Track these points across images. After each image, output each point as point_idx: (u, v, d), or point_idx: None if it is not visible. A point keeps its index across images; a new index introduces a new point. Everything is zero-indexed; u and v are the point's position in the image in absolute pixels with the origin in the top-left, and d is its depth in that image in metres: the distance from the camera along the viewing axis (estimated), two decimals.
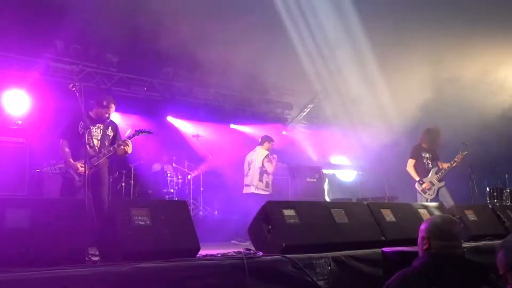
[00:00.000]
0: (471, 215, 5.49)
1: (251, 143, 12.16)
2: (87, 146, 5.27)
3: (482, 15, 8.65)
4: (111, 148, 5.40)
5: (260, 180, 8.12)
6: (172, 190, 9.28)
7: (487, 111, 9.33)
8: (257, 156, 8.25)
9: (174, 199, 9.15)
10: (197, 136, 10.34)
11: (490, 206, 6.40)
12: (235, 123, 12.46)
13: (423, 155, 7.83)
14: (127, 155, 5.60)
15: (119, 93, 10.61)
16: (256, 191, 8.08)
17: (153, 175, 9.66)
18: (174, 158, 9.99)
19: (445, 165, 7.69)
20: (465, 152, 7.60)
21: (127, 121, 8.87)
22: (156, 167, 9.82)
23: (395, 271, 3.00)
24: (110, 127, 5.60)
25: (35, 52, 9.18)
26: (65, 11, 7.93)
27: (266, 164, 8.10)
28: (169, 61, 10.39)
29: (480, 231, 5.27)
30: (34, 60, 9.27)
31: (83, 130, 5.32)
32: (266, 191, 8.15)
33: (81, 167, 5.16)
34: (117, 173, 8.88)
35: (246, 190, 8.24)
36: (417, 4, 9.09)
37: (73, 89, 4.70)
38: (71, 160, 5.25)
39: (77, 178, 5.22)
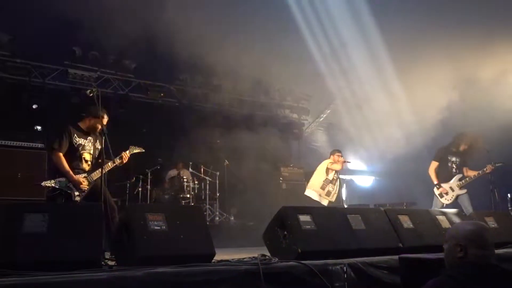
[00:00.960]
0: (491, 222, 5.37)
1: (267, 149, 12.20)
2: (83, 160, 5.13)
3: (501, 14, 8.52)
4: (110, 164, 5.17)
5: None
6: (188, 196, 9.30)
7: (507, 115, 9.13)
8: None
9: (190, 204, 9.17)
10: (216, 142, 10.36)
11: (511, 214, 6.25)
12: (252, 128, 12.46)
13: (449, 158, 7.50)
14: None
15: (137, 99, 10.74)
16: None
17: (170, 181, 9.70)
18: (191, 163, 10.02)
19: (472, 173, 7.38)
20: (499, 164, 7.25)
21: (143, 127, 8.89)
22: (173, 172, 9.87)
23: (413, 279, 2.94)
24: (98, 140, 5.27)
25: (54, 59, 9.34)
26: (83, 19, 8.06)
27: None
28: (186, 68, 10.46)
29: (501, 239, 5.13)
30: (53, 67, 9.44)
31: (77, 143, 5.11)
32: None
33: (83, 181, 5.00)
34: (134, 178, 8.95)
35: None
36: (435, 5, 8.98)
37: (91, 95, 4.69)
38: (73, 175, 4.97)
39: (76, 193, 4.99)
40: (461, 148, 7.53)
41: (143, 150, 5.68)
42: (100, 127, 5.08)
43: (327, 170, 8.33)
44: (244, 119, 12.23)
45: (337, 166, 8.34)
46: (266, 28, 9.16)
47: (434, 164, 7.58)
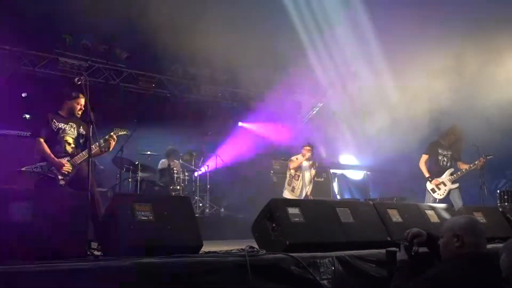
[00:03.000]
0: (480, 217, 5.39)
1: (259, 142, 12.18)
2: (65, 144, 5.17)
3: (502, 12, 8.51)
4: (95, 146, 5.14)
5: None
6: (178, 187, 9.26)
7: (498, 113, 9.17)
8: None
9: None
10: (206, 133, 10.32)
11: (500, 209, 6.29)
12: (243, 121, 12.43)
13: (439, 151, 7.56)
14: (104, 153, 5.46)
15: (128, 89, 10.65)
16: None
17: (160, 172, 9.66)
18: (181, 154, 9.98)
19: (465, 166, 7.45)
20: (490, 156, 7.36)
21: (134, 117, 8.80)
22: (163, 163, 9.82)
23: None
24: (81, 126, 5.36)
25: (45, 47, 9.22)
26: (74, 6, 7.94)
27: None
28: (178, 58, 10.36)
29: (489, 234, 5.17)
30: (43, 55, 9.31)
31: (56, 127, 5.17)
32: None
33: (66, 164, 5.04)
34: (124, 169, 8.89)
35: None
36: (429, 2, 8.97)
37: (79, 82, 4.64)
38: (55, 158, 5.03)
39: (60, 177, 5.03)
40: (451, 140, 7.59)
41: (128, 132, 5.72)
42: (78, 107, 5.22)
43: (289, 164, 8.64)
44: (235, 111, 12.19)
45: (293, 163, 8.51)
46: (258, 21, 9.10)
47: (424, 157, 7.62)
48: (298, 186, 8.43)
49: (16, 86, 8.94)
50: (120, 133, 5.52)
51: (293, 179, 8.46)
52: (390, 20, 9.03)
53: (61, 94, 5.34)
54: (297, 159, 8.52)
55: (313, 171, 8.64)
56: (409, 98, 9.93)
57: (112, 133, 5.41)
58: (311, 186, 8.67)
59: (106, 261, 3.13)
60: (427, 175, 7.48)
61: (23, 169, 5.00)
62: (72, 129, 5.30)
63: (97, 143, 5.19)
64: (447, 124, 8.08)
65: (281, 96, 13.14)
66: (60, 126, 5.20)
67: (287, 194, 8.48)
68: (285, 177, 8.98)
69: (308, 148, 8.49)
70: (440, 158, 7.56)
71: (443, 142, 7.65)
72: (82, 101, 5.24)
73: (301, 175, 8.48)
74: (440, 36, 8.91)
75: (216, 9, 8.76)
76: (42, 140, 5.09)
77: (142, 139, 9.01)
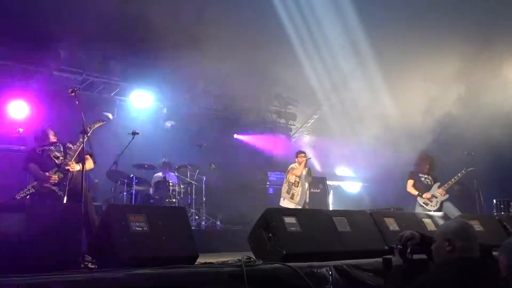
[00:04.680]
0: (477, 226, 5.36)
1: (254, 153, 12.16)
2: (53, 159, 5.35)
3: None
4: (78, 143, 5.31)
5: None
6: (174, 200, 9.19)
7: (494, 123, 9.23)
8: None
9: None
10: (201, 145, 10.28)
11: (497, 218, 6.26)
12: (238, 133, 12.42)
13: (420, 176, 7.90)
14: (91, 163, 5.53)
15: (122, 102, 10.64)
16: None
17: (155, 184, 9.59)
18: (176, 167, 9.93)
19: (448, 182, 7.70)
20: (470, 168, 7.61)
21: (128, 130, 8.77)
22: (159, 176, 9.76)
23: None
24: (66, 144, 5.60)
25: (39, 61, 9.20)
26: (68, 21, 7.97)
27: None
28: (172, 71, 10.36)
29: (486, 242, 5.13)
30: (37, 69, 9.29)
31: (40, 150, 5.44)
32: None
33: (53, 174, 5.19)
34: (118, 182, 8.82)
35: None
36: (420, 12, 9.06)
37: (72, 94, 4.64)
38: (41, 172, 5.26)
39: (56, 188, 5.19)
40: (425, 168, 7.95)
41: (103, 121, 5.76)
42: (54, 141, 5.55)
43: (287, 173, 8.60)
44: (231, 124, 12.18)
45: (297, 170, 8.48)
46: (253, 31, 9.15)
47: (410, 182, 7.96)
48: (298, 193, 8.37)
49: (10, 100, 8.89)
50: (96, 126, 5.56)
51: (293, 186, 8.42)
52: (386, 29, 9.11)
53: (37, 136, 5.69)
54: (297, 166, 8.52)
55: (309, 178, 8.64)
56: (405, 108, 9.98)
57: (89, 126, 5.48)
58: (308, 193, 8.65)
59: (100, 273, 3.08)
60: (416, 193, 7.75)
61: (17, 196, 5.05)
62: (58, 147, 5.52)
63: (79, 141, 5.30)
64: (444, 134, 8.22)
65: (277, 108, 13.20)
66: (44, 148, 5.47)
67: (286, 203, 8.40)
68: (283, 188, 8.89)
69: (302, 155, 8.54)
70: (423, 179, 7.88)
71: (419, 169, 8.00)
72: (51, 135, 5.59)
73: (300, 182, 8.46)
74: (437, 46, 8.99)
75: (212, 18, 8.82)
76: (31, 165, 5.37)
77: (136, 152, 8.95)
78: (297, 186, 8.41)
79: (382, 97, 10.68)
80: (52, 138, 5.64)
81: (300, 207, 8.27)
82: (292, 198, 8.37)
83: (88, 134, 5.21)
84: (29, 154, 5.61)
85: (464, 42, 8.80)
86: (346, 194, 13.66)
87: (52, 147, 5.52)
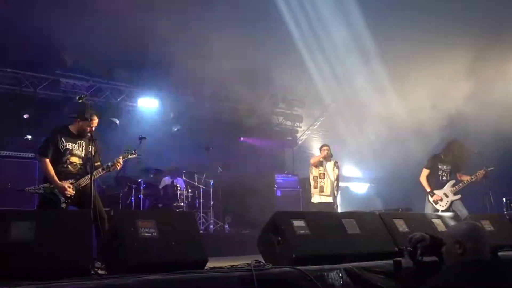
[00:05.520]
0: (487, 226, 5.31)
1: (261, 156, 12.15)
2: (71, 165, 5.10)
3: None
4: (101, 170, 5.14)
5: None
6: (182, 204, 9.21)
7: (504, 120, 9.14)
8: None
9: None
10: (208, 148, 10.28)
11: (507, 217, 6.20)
12: (245, 136, 12.42)
13: (439, 166, 7.56)
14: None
15: (129, 108, 10.69)
16: None
17: (163, 189, 9.61)
18: (184, 171, 9.94)
19: (466, 178, 7.42)
20: (490, 168, 7.29)
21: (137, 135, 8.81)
22: (166, 181, 9.78)
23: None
24: (91, 143, 5.22)
25: (46, 69, 9.28)
26: (74, 27, 8.02)
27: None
28: (178, 76, 10.40)
29: (497, 242, 5.09)
30: (44, 76, 9.37)
31: (64, 148, 5.08)
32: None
33: (69, 187, 4.96)
34: (126, 188, 8.85)
35: None
36: (428, 7, 8.99)
37: (80, 100, 4.65)
38: (57, 180, 4.96)
39: (62, 199, 4.96)
40: (451, 156, 7.56)
41: (139, 155, 5.61)
42: (89, 129, 5.09)
43: (310, 167, 8.41)
44: (237, 127, 12.18)
45: (313, 158, 8.42)
46: (259, 34, 9.16)
47: (425, 172, 7.63)
48: (327, 184, 8.18)
49: (17, 107, 8.96)
50: (129, 157, 5.44)
51: (319, 179, 8.22)
52: (393, 26, 9.05)
53: (75, 113, 5.22)
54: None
55: (336, 170, 8.36)
56: (412, 107, 9.91)
57: (120, 157, 5.31)
58: (337, 186, 8.38)
59: (110, 279, 3.07)
60: (428, 189, 7.49)
61: (26, 189, 4.95)
62: (81, 148, 5.18)
63: (102, 168, 5.15)
64: (452, 133, 8.05)
65: (283, 110, 13.19)
66: (67, 147, 5.11)
67: (317, 198, 8.19)
68: (291, 191, 8.89)
69: (325, 148, 8.33)
70: (440, 173, 7.55)
71: (443, 156, 7.63)
72: (95, 123, 5.17)
73: (325, 173, 8.27)
74: (445, 43, 8.92)
75: (216, 24, 8.83)
76: (47, 160, 5.00)
77: (144, 157, 8.97)
78: (323, 178, 8.21)
79: (390, 95, 10.64)
80: (88, 132, 5.11)
81: (331, 200, 8.15)
82: (322, 191, 8.15)
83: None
84: (52, 144, 5.07)
85: (474, 37, 8.71)
86: (354, 195, 13.62)
87: (76, 146, 5.13)
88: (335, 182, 8.31)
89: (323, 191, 8.15)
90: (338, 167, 8.44)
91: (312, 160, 8.44)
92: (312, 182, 8.34)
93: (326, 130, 13.94)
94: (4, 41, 8.46)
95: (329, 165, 8.38)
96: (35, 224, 3.28)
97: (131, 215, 3.87)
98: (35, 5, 7.81)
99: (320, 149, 8.45)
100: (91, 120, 5.11)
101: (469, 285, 2.39)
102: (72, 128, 5.22)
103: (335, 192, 8.30)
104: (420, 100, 9.85)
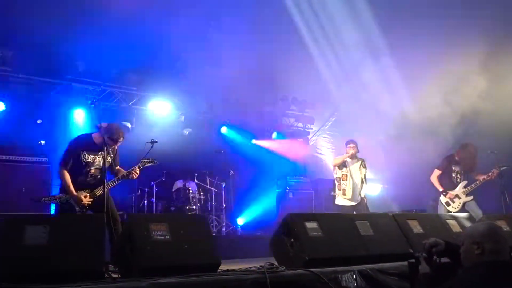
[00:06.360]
0: (504, 226, 5.24)
1: (273, 158, 12.13)
2: (90, 177, 5.13)
3: None
4: (116, 179, 5.19)
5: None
6: (194, 207, 9.23)
7: None
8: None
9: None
10: (220, 151, 10.30)
11: None
12: (256, 138, 12.41)
13: (453, 168, 7.46)
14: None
15: (140, 111, 10.74)
16: None
17: (176, 192, 9.65)
18: (196, 174, 9.96)
19: (479, 177, 7.29)
20: (504, 167, 7.13)
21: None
22: (178, 184, 9.81)
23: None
24: (109, 153, 5.23)
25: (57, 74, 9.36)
26: (85, 33, 8.09)
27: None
28: (189, 79, 10.43)
29: None
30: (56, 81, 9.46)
31: (85, 161, 5.10)
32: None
33: (85, 197, 4.99)
34: (139, 191, 8.90)
35: None
36: (439, 7, 8.90)
37: (92, 105, 4.68)
38: (73, 191, 4.98)
39: (77, 209, 4.97)
40: (464, 158, 7.44)
41: (156, 162, 5.58)
42: (113, 146, 5.18)
43: (334, 168, 7.85)
44: (249, 129, 12.17)
45: (335, 159, 7.84)
46: (269, 36, 9.15)
47: (437, 172, 7.53)
48: (349, 187, 7.58)
49: (30, 112, 9.06)
50: (146, 165, 5.44)
51: (341, 181, 7.65)
52: (403, 22, 8.96)
53: (105, 130, 5.17)
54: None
55: (363, 170, 7.76)
56: (424, 105, 9.81)
57: (138, 165, 5.33)
58: (364, 187, 7.73)
59: (124, 282, 3.08)
60: (440, 189, 7.38)
61: (42, 200, 5.01)
62: (101, 159, 5.17)
63: (121, 176, 5.21)
64: (465, 132, 7.93)
65: (294, 112, 13.16)
66: (89, 160, 5.12)
67: (340, 201, 7.65)
68: (303, 192, 8.77)
69: (351, 145, 7.67)
70: (453, 175, 7.45)
71: (457, 157, 7.53)
72: (120, 142, 5.24)
73: (348, 174, 7.67)
74: (459, 39, 8.80)
75: (225, 26, 8.85)
76: (65, 172, 5.02)
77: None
78: (346, 180, 7.64)
79: (401, 95, 10.54)
80: (116, 145, 5.22)
81: (355, 203, 7.56)
82: (344, 194, 7.61)
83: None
84: (73, 153, 5.08)
85: (487, 32, 8.60)
86: (367, 197, 13.50)
87: (97, 157, 5.14)
88: (361, 184, 7.70)
89: (345, 194, 7.62)
90: (365, 166, 7.82)
91: (334, 162, 7.86)
92: (336, 183, 7.82)
93: (337, 131, 13.86)
94: (17, 47, 8.57)
95: (355, 165, 7.77)
96: (49, 228, 3.31)
97: (144, 218, 3.90)
98: (48, 11, 7.88)
99: (346, 145, 7.74)
100: (118, 141, 5.19)
101: (488, 286, 2.36)
102: (96, 138, 5.23)
103: (361, 194, 7.67)
104: (432, 98, 9.74)
